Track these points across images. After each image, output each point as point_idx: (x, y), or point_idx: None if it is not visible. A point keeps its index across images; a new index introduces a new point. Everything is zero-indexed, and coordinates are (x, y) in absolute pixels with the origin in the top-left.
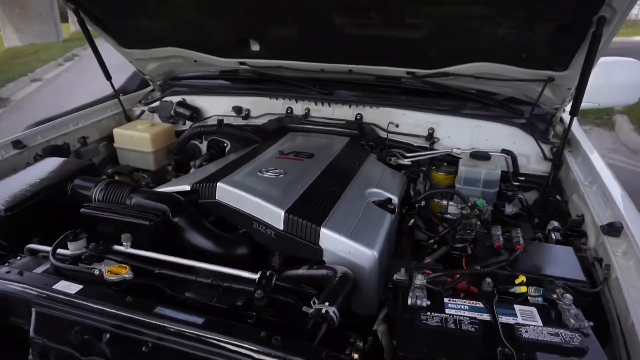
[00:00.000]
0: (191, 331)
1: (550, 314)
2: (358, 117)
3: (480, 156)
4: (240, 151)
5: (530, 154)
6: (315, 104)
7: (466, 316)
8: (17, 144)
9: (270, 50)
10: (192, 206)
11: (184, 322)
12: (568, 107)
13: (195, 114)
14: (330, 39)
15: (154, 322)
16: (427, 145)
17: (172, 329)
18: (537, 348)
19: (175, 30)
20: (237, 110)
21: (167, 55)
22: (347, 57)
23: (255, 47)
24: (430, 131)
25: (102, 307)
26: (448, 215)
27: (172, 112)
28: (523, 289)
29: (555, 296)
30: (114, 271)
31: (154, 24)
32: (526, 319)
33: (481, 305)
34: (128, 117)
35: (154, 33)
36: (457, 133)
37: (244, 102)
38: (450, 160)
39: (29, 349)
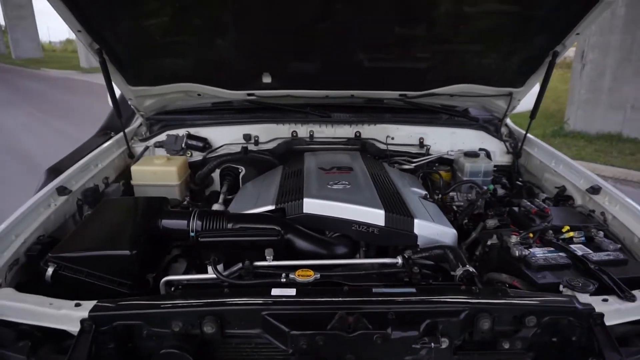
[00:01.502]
0: (413, 297)
1: (592, 246)
2: (357, 134)
3: (472, 155)
4: (263, 176)
5: (495, 150)
6: (319, 126)
7: (553, 256)
8: (62, 190)
9: (282, 81)
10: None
11: (402, 293)
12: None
13: (207, 144)
14: (342, 71)
15: (389, 297)
16: (423, 152)
17: (401, 299)
18: (604, 264)
19: (194, 66)
20: (247, 137)
21: (171, 91)
22: (352, 84)
23: (267, 79)
24: (421, 140)
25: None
26: (455, 204)
27: (182, 145)
28: (570, 234)
29: (592, 234)
30: (302, 274)
31: (177, 62)
32: (583, 251)
33: (553, 249)
34: (132, 154)
35: (172, 71)
36: (440, 139)
37: (251, 129)
38: (442, 161)
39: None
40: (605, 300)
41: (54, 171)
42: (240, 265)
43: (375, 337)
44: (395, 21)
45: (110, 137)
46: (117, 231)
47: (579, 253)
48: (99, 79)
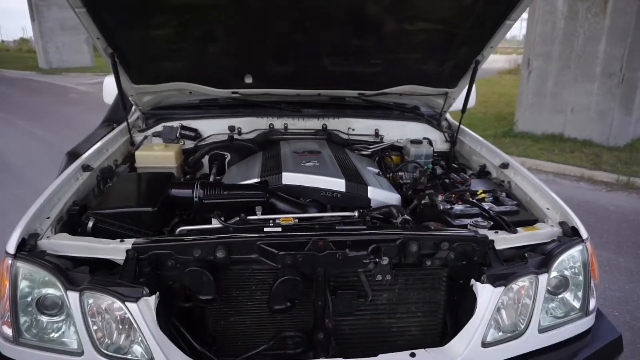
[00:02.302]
0: (364, 231)
1: (497, 203)
2: (324, 126)
3: (416, 142)
4: (245, 160)
5: (437, 139)
6: (292, 120)
7: (467, 208)
8: (86, 167)
9: (261, 82)
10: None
11: (356, 229)
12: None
13: (197, 134)
14: (311, 73)
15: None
16: (378, 140)
17: (356, 232)
18: (502, 213)
19: (189, 68)
20: (231, 128)
21: (167, 89)
22: (319, 84)
23: (249, 79)
24: (376, 131)
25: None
26: (403, 181)
27: (177, 135)
28: (482, 195)
29: (498, 195)
30: (285, 219)
31: (175, 65)
32: (489, 206)
33: (468, 205)
34: (132, 142)
35: (170, 71)
36: (392, 131)
37: (235, 122)
38: (393, 148)
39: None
40: (496, 232)
41: (72, 154)
42: (237, 218)
43: (338, 255)
44: (352, 35)
45: (113, 128)
46: (139, 195)
47: (487, 207)
48: (59, 80)
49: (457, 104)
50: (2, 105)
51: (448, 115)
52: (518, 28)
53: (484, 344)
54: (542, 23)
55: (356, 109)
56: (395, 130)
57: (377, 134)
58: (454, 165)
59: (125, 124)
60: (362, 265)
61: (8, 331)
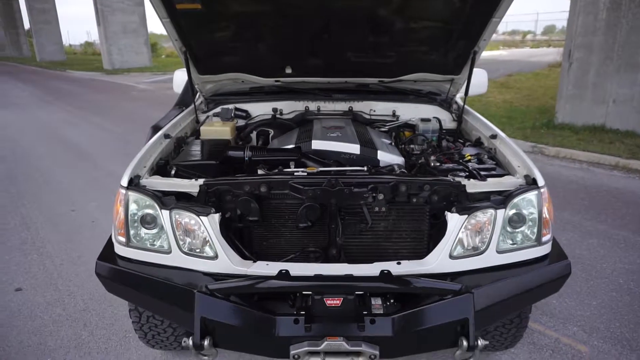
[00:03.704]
0: (366, 175)
1: (480, 163)
2: (350, 108)
3: (426, 120)
4: (285, 134)
5: (445, 119)
6: (324, 103)
7: (454, 166)
8: (167, 136)
9: (298, 72)
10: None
11: (361, 171)
12: (459, 94)
13: (248, 114)
14: (338, 65)
15: (353, 174)
16: (394, 119)
17: (360, 175)
18: (481, 170)
19: (242, 61)
20: (275, 110)
21: (225, 79)
22: (345, 73)
23: (289, 70)
24: (394, 111)
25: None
26: (414, 152)
27: (232, 115)
28: (469, 158)
29: (482, 158)
30: (310, 169)
31: (232, 58)
32: (472, 166)
33: (455, 164)
34: (197, 120)
35: (228, 63)
36: (407, 111)
37: (277, 105)
38: (407, 125)
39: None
40: (469, 179)
41: (155, 127)
42: (276, 170)
43: (346, 190)
44: (369, 33)
45: (182, 110)
46: (207, 153)
47: (470, 167)
48: (121, 79)
49: (474, 90)
50: (75, 103)
51: (458, 99)
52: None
53: (451, 257)
54: (583, 15)
55: (377, 94)
56: (410, 111)
57: (394, 114)
58: (459, 141)
59: (192, 106)
60: (364, 199)
61: (122, 239)
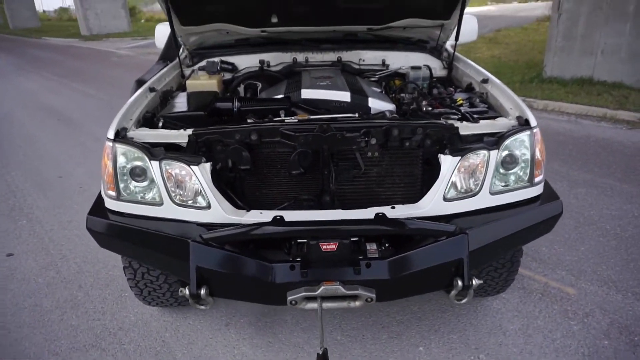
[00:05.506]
0: (358, 119)
1: (472, 107)
2: (339, 58)
3: (416, 68)
4: (273, 86)
5: (436, 67)
6: (312, 54)
7: (445, 110)
8: (152, 89)
9: (284, 20)
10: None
11: (352, 117)
12: (450, 42)
13: (234, 67)
14: (326, 11)
15: (345, 119)
16: (384, 69)
17: (352, 120)
18: (472, 112)
19: (226, 10)
20: (262, 62)
21: (209, 30)
22: (333, 21)
23: (275, 19)
24: (383, 60)
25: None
26: (405, 100)
27: (218, 68)
28: (461, 102)
29: (474, 101)
30: (301, 115)
31: (216, 7)
32: (465, 109)
33: (447, 108)
34: (183, 75)
35: (211, 13)
36: (397, 60)
37: (264, 57)
38: (397, 74)
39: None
40: (461, 121)
41: (139, 81)
42: (266, 119)
43: (338, 135)
44: None
45: (167, 64)
46: (194, 104)
47: (462, 110)
48: (100, 45)
49: (464, 38)
50: (56, 70)
51: (448, 47)
52: None
53: (445, 199)
54: None
55: (366, 43)
56: (399, 60)
57: (384, 64)
58: (450, 88)
59: (177, 60)
60: (357, 144)
61: (112, 193)
